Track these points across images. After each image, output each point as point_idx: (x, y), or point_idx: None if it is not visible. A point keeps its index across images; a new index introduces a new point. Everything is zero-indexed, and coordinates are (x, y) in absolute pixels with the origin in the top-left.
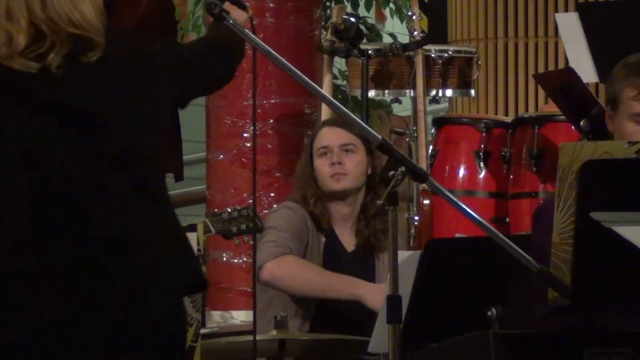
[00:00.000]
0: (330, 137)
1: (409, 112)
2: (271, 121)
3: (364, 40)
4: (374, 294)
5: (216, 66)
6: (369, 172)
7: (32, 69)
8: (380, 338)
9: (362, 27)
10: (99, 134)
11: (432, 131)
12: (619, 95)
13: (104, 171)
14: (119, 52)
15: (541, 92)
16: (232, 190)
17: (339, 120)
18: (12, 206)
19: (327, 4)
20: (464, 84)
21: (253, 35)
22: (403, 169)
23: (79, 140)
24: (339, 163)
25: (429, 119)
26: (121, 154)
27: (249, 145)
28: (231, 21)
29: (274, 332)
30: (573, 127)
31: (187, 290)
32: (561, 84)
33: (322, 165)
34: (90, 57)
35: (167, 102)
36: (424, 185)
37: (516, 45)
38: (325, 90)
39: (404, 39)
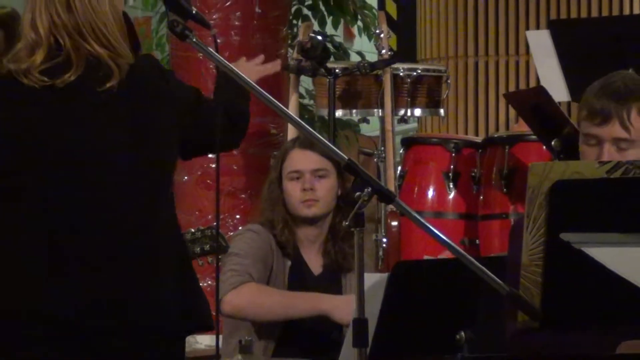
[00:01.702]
0: (302, 161)
1: (377, 132)
2: None
3: (331, 59)
4: (339, 306)
5: (229, 133)
6: (339, 193)
7: (38, 85)
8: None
9: (329, 45)
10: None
11: (401, 151)
12: (578, 116)
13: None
14: (134, 87)
15: (512, 112)
16: (196, 212)
17: (310, 142)
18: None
19: (294, 22)
20: (433, 103)
21: (217, 54)
22: (370, 190)
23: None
24: (311, 189)
25: (398, 139)
26: (126, 189)
27: (213, 166)
28: (194, 40)
29: (239, 357)
30: (544, 147)
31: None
32: (532, 103)
33: (292, 190)
34: (103, 87)
35: (174, 147)
36: (392, 206)
37: (486, 63)
38: (292, 110)
39: (372, 57)
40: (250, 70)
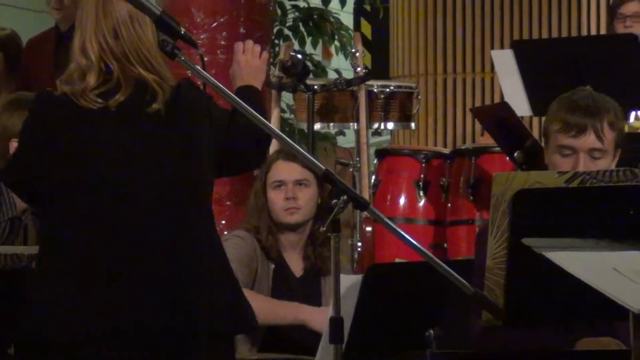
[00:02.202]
0: (285, 171)
1: (352, 144)
2: None
3: (310, 76)
4: (316, 317)
5: (254, 154)
6: (319, 202)
7: (95, 106)
8: (325, 358)
9: (308, 63)
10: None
11: (375, 162)
12: (548, 129)
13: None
14: (176, 109)
15: (477, 125)
16: None
17: (292, 154)
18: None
19: (276, 41)
20: (404, 118)
21: (204, 72)
22: (345, 197)
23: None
24: (294, 198)
25: (372, 150)
26: (185, 198)
27: None
28: (182, 58)
29: None
30: (507, 158)
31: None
32: (496, 117)
33: (276, 198)
34: (150, 108)
35: (212, 166)
36: (366, 213)
37: (454, 80)
38: (273, 124)
39: (348, 74)
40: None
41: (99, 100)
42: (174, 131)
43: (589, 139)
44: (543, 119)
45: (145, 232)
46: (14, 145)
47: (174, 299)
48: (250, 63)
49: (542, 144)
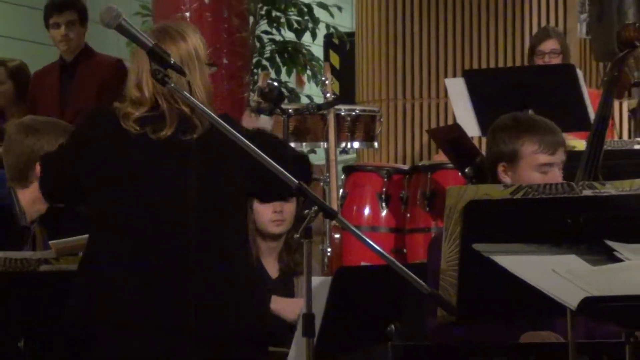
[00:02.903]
0: None
1: (323, 161)
2: None
3: (285, 101)
4: (287, 307)
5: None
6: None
7: (134, 132)
8: (298, 349)
9: (283, 90)
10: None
11: (342, 177)
12: (517, 152)
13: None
14: (211, 140)
15: (433, 144)
16: None
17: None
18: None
19: (255, 70)
20: (368, 138)
21: (190, 96)
22: (316, 208)
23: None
24: (281, 211)
25: (340, 167)
26: (219, 221)
27: None
28: (172, 85)
29: None
30: (459, 173)
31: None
32: (450, 137)
33: (264, 211)
34: (185, 137)
35: (242, 194)
36: (335, 221)
37: (412, 105)
38: None
39: (318, 100)
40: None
41: (137, 127)
42: (202, 159)
43: (561, 154)
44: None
45: (172, 245)
46: (38, 168)
47: (195, 305)
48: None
49: (498, 166)
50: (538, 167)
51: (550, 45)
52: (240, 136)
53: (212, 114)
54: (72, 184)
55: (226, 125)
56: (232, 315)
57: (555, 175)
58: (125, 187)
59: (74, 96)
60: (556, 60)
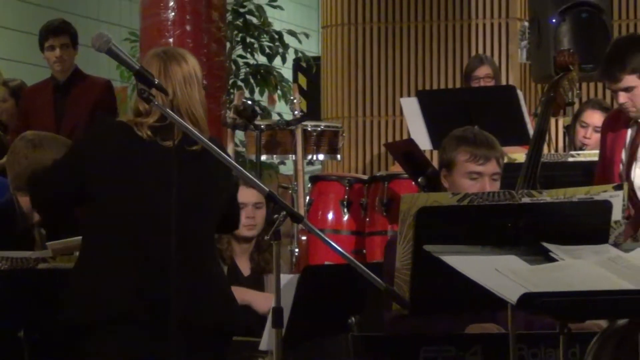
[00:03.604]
0: (246, 195)
1: (291, 172)
2: None
3: (258, 118)
4: (258, 300)
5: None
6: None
7: (148, 138)
8: (269, 339)
9: (257, 108)
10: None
11: (309, 185)
12: (454, 160)
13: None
14: (206, 154)
15: (390, 157)
16: None
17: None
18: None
19: (231, 90)
20: (332, 151)
21: (173, 114)
22: (285, 213)
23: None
24: (253, 217)
25: (307, 176)
26: (201, 222)
27: None
28: (156, 103)
29: None
30: (413, 182)
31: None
32: (404, 150)
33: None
34: (192, 148)
35: (222, 200)
36: (302, 225)
37: (371, 121)
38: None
39: (288, 116)
40: None
41: (150, 134)
42: (202, 168)
43: (492, 166)
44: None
45: (167, 241)
46: None
47: (185, 294)
48: None
49: (441, 172)
50: (468, 174)
51: (484, 71)
52: (223, 153)
53: (193, 130)
54: (76, 191)
55: (207, 141)
56: (209, 302)
57: (484, 185)
58: (130, 189)
59: (69, 113)
60: (490, 83)
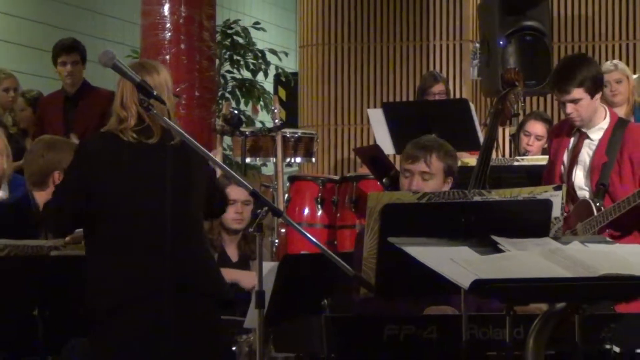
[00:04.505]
0: (237, 193)
1: (272, 172)
2: None
3: (243, 125)
4: (244, 277)
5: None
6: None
7: (134, 140)
8: (252, 318)
9: (242, 117)
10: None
11: (287, 184)
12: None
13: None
14: (189, 148)
15: (358, 160)
16: None
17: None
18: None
19: (219, 101)
20: (308, 154)
21: (169, 121)
22: (266, 208)
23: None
24: (242, 212)
25: (285, 176)
26: (189, 206)
27: None
28: (155, 112)
29: None
30: (378, 182)
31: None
32: (371, 155)
33: (229, 210)
34: (171, 142)
35: (203, 187)
36: (281, 219)
37: (342, 129)
38: (218, 158)
39: (269, 124)
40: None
41: (135, 136)
42: (183, 159)
43: (420, 165)
44: None
45: (165, 227)
46: (56, 175)
47: (180, 270)
48: None
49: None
50: (403, 171)
51: (439, 88)
52: (203, 147)
53: (182, 131)
54: (85, 203)
55: (191, 139)
56: (201, 271)
57: (412, 182)
58: (125, 185)
59: (78, 122)
60: (443, 98)
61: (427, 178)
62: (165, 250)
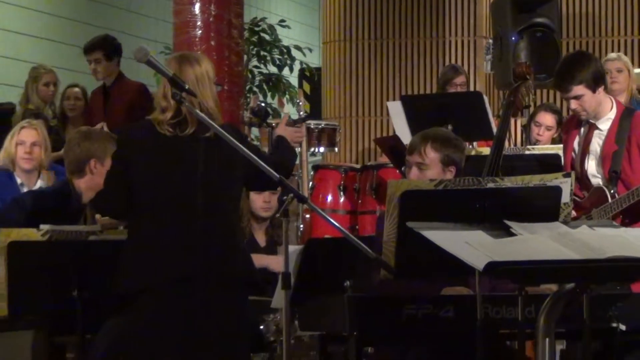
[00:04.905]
0: None
1: (297, 162)
2: None
3: (270, 117)
4: (273, 262)
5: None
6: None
7: (170, 134)
8: (278, 298)
9: (269, 109)
10: (207, 178)
11: (312, 173)
12: None
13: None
14: (223, 140)
15: (378, 150)
16: None
17: None
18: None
19: (247, 95)
20: (331, 144)
21: (200, 113)
22: (292, 195)
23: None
24: (270, 201)
25: (310, 165)
26: (220, 195)
27: None
28: (186, 104)
29: None
30: (397, 171)
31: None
32: (390, 144)
33: (257, 199)
34: (206, 134)
35: (240, 178)
36: (306, 205)
37: (363, 121)
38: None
39: (294, 116)
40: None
41: (171, 129)
42: (217, 150)
43: (416, 156)
44: None
45: (195, 215)
46: (92, 163)
47: (216, 257)
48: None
49: None
50: (406, 162)
51: (461, 79)
52: (234, 139)
53: (213, 124)
54: (128, 190)
55: (222, 131)
56: (231, 260)
57: (410, 173)
58: (161, 176)
59: (110, 111)
60: (464, 89)
61: (423, 168)
62: (196, 239)
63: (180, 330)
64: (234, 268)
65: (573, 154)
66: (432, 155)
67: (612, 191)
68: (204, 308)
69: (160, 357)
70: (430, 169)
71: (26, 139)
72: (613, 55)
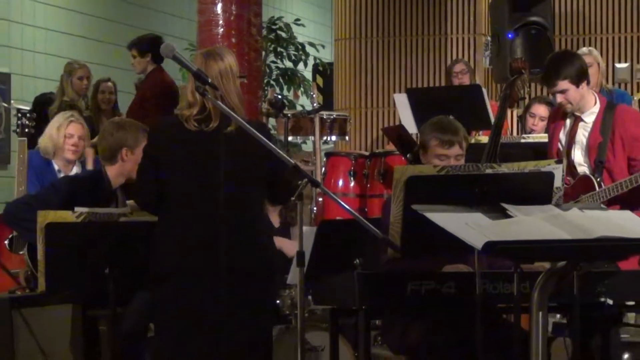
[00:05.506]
0: None
1: (311, 149)
2: None
3: (286, 109)
4: (287, 246)
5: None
6: None
7: (195, 128)
8: (294, 275)
9: (285, 101)
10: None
11: (324, 160)
12: (427, 144)
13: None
14: (245, 133)
15: (386, 138)
16: None
17: None
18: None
19: (265, 87)
20: (342, 133)
21: (222, 105)
22: (306, 180)
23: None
24: None
25: (322, 152)
26: (243, 188)
27: None
28: (209, 96)
29: None
30: (403, 158)
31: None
32: (397, 133)
33: None
34: (228, 129)
35: (263, 170)
36: (319, 189)
37: (372, 111)
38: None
39: (308, 107)
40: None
41: (196, 124)
42: (240, 144)
43: (455, 149)
44: None
45: (218, 207)
46: (123, 152)
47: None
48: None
49: (420, 151)
50: (437, 156)
51: (460, 67)
52: (257, 132)
53: (236, 115)
54: (157, 180)
55: (241, 120)
56: (253, 251)
57: (449, 163)
58: (187, 167)
59: (133, 103)
60: (466, 76)
61: (459, 158)
62: (219, 230)
63: (200, 313)
64: (253, 260)
65: (559, 144)
66: (465, 145)
67: (598, 179)
68: (222, 295)
69: (184, 329)
70: (462, 159)
71: (74, 133)
72: (584, 50)
